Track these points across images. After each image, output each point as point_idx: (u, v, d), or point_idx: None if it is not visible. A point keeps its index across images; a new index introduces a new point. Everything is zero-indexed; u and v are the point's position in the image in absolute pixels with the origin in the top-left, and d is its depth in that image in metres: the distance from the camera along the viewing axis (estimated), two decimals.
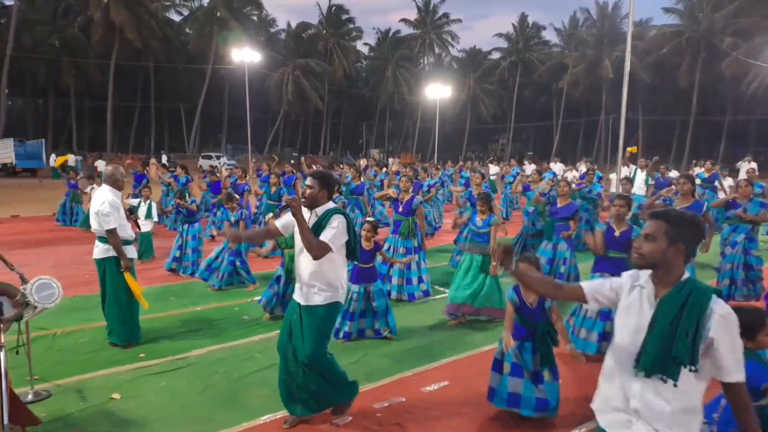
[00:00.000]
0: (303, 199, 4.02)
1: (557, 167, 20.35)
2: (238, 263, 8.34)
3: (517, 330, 4.26)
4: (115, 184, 5.80)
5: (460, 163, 24.87)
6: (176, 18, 53.26)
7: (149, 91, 51.69)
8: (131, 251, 5.80)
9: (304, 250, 3.91)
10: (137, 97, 52.12)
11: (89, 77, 46.37)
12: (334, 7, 58.94)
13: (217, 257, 8.34)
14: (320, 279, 4.01)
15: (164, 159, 34.06)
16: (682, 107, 49.15)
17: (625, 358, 2.32)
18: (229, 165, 35.05)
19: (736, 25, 43.29)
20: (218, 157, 43.01)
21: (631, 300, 2.38)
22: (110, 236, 5.52)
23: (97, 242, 5.72)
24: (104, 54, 45.44)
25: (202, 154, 46.78)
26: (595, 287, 2.53)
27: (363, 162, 30.17)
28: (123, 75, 48.12)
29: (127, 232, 5.77)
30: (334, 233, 3.88)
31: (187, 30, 53.89)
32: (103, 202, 5.54)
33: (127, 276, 5.63)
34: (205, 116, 53.01)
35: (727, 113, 47.11)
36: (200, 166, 29.18)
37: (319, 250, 3.83)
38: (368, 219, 6.80)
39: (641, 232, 2.37)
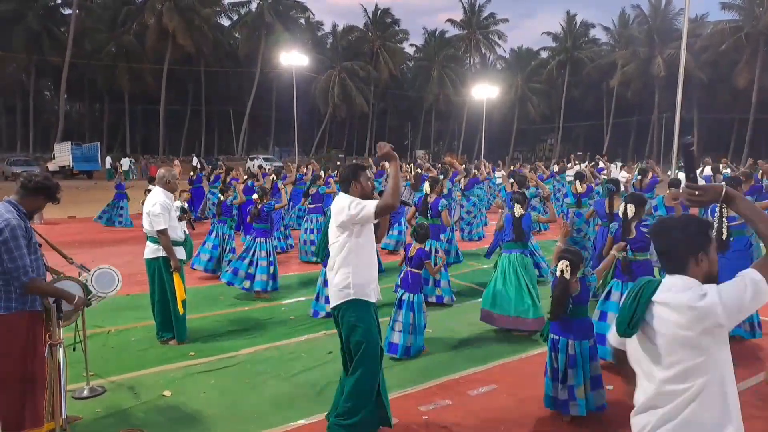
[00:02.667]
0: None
1: (611, 168, 19.53)
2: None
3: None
4: (167, 185, 5.92)
5: (520, 164, 24.21)
6: (225, 23, 54.52)
7: (200, 95, 52.93)
8: (180, 252, 5.90)
9: (335, 247, 3.79)
10: (188, 101, 53.44)
11: (143, 82, 47.86)
12: (380, 10, 59.16)
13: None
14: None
15: (195, 161, 34.73)
16: (740, 105, 47.26)
17: None
18: (276, 166, 35.55)
19: None
20: (253, 158, 43.55)
21: None
22: (160, 237, 5.64)
23: (148, 242, 5.86)
24: (157, 59, 46.90)
25: (250, 156, 47.58)
26: None
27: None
28: (175, 79, 49.46)
29: (176, 233, 5.88)
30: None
31: (236, 35, 55.02)
32: (155, 204, 5.67)
33: (176, 277, 5.74)
34: (253, 119, 53.91)
35: None
36: (249, 167, 29.66)
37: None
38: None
39: None
